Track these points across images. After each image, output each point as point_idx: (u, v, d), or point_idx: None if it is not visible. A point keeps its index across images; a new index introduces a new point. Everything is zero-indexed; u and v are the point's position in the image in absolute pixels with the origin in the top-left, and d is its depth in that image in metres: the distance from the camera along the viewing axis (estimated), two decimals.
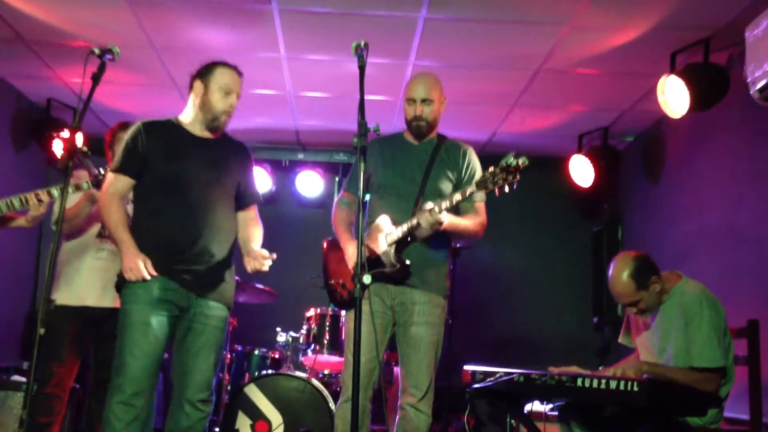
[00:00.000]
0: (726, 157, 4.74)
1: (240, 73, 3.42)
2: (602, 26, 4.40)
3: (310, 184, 6.93)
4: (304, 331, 5.10)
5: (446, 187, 3.53)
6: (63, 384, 3.89)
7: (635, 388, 2.75)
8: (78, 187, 3.72)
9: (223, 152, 3.43)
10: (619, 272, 3.34)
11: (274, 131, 6.70)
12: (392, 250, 3.41)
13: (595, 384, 2.89)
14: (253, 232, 3.47)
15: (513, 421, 5.02)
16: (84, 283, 3.93)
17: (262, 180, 6.68)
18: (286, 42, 4.80)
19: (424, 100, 3.53)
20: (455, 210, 3.45)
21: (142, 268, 3.12)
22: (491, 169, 3.17)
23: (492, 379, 3.24)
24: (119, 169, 3.32)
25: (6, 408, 4.56)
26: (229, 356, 5.28)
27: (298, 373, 4.80)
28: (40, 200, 3.69)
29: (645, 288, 3.31)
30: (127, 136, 3.35)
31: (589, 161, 6.04)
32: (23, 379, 4.86)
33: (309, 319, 5.10)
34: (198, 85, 3.35)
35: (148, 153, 3.29)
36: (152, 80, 5.51)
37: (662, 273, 3.38)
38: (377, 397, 3.56)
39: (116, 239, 3.27)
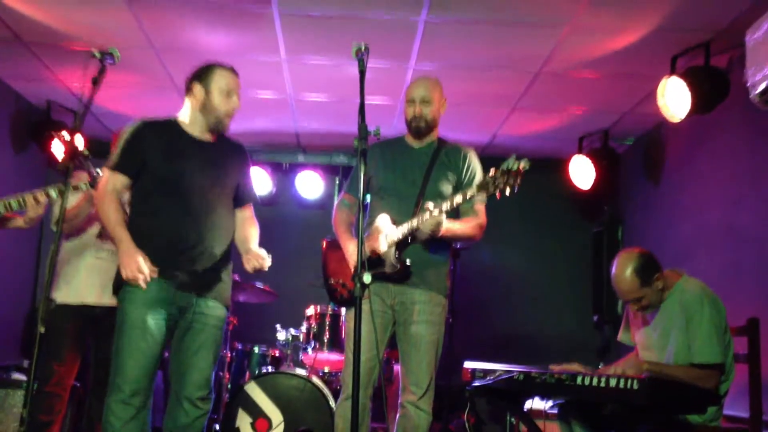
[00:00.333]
0: (726, 158, 4.75)
1: (237, 74, 3.40)
2: (602, 29, 4.40)
3: (310, 185, 6.95)
4: (304, 329, 5.10)
5: (447, 189, 3.54)
6: (63, 382, 3.89)
7: (635, 386, 2.75)
8: (76, 188, 3.73)
9: (222, 153, 3.42)
10: (623, 269, 3.34)
11: (274, 134, 6.71)
12: (392, 250, 3.42)
13: (594, 382, 2.90)
14: (250, 231, 3.47)
15: (513, 419, 5.03)
16: (84, 281, 3.94)
17: (262, 182, 6.71)
18: (287, 45, 4.81)
19: (423, 101, 3.54)
20: (455, 212, 3.46)
21: (142, 268, 3.08)
22: (492, 172, 3.17)
23: (492, 377, 3.25)
24: (117, 167, 3.27)
25: (6, 406, 4.56)
26: (229, 354, 5.29)
27: (299, 371, 4.81)
28: (37, 201, 3.70)
29: (648, 285, 3.32)
30: (126, 133, 3.30)
31: (589, 163, 6.05)
32: (24, 378, 4.87)
33: (309, 317, 5.11)
34: (198, 88, 3.32)
35: (148, 152, 3.25)
36: (152, 82, 5.52)
37: (664, 271, 3.39)
38: (377, 396, 3.56)
39: (114, 238, 3.21)
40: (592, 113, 5.79)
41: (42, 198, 3.70)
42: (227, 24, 4.58)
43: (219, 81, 3.31)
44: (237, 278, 5.05)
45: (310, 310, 5.13)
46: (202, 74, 3.34)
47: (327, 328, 5.00)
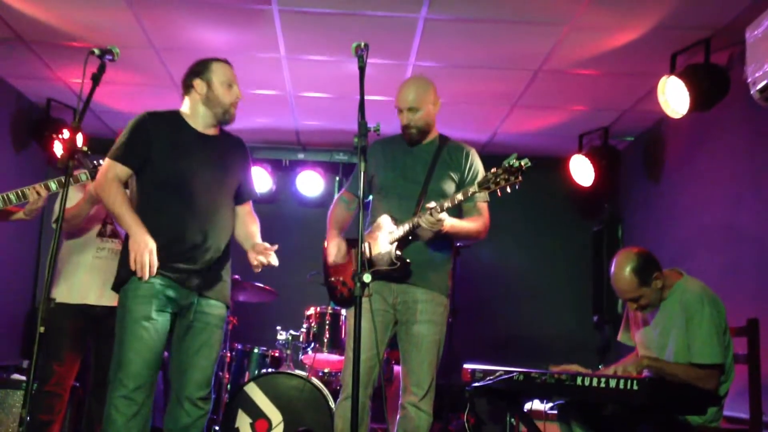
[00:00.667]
0: (726, 157, 4.74)
1: (231, 65, 3.39)
2: (602, 26, 4.40)
3: (310, 183, 6.93)
4: (304, 330, 5.09)
5: (449, 187, 3.52)
6: (63, 382, 3.88)
7: (635, 387, 2.75)
8: (76, 180, 3.72)
9: (225, 149, 3.41)
10: (622, 268, 3.35)
11: (274, 131, 6.71)
12: (393, 248, 3.41)
13: (594, 383, 2.90)
14: (252, 228, 3.47)
15: (513, 419, 5.03)
16: (84, 280, 3.93)
17: (262, 180, 6.70)
18: (287, 42, 4.80)
19: (410, 109, 3.51)
20: (458, 211, 3.45)
21: (153, 257, 3.06)
22: (494, 169, 3.19)
23: (492, 377, 3.24)
24: (120, 159, 3.21)
25: (6, 406, 4.56)
26: (229, 355, 5.28)
27: (298, 372, 4.81)
28: (38, 194, 3.69)
29: (647, 284, 3.32)
30: (131, 125, 3.26)
31: (589, 161, 6.05)
32: (23, 378, 4.86)
33: (309, 317, 5.10)
34: (199, 83, 3.30)
35: (154, 146, 3.21)
36: (152, 80, 5.51)
37: (663, 270, 3.39)
38: (377, 395, 3.56)
39: (123, 223, 3.14)
40: (592, 111, 5.78)
41: (42, 191, 3.70)
42: (227, 22, 4.57)
43: (218, 73, 3.31)
44: (237, 277, 5.05)
45: (310, 311, 5.12)
46: (200, 70, 3.33)
47: (327, 328, 4.99)
